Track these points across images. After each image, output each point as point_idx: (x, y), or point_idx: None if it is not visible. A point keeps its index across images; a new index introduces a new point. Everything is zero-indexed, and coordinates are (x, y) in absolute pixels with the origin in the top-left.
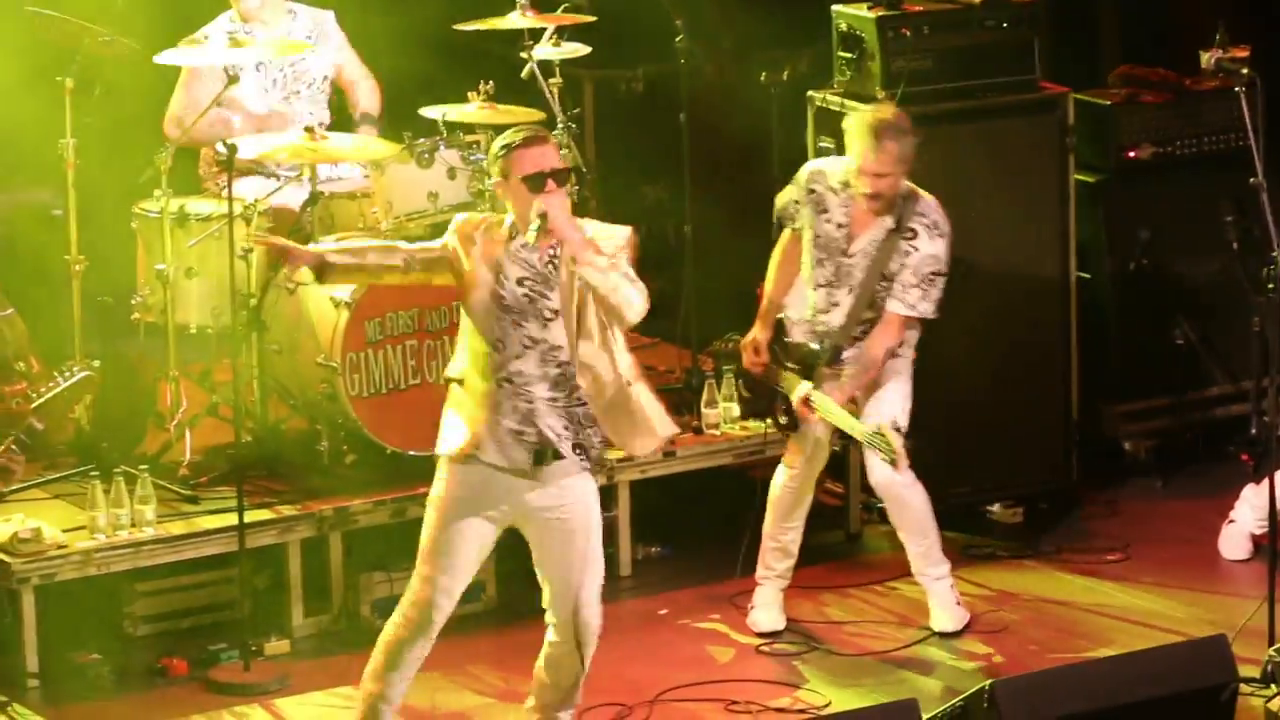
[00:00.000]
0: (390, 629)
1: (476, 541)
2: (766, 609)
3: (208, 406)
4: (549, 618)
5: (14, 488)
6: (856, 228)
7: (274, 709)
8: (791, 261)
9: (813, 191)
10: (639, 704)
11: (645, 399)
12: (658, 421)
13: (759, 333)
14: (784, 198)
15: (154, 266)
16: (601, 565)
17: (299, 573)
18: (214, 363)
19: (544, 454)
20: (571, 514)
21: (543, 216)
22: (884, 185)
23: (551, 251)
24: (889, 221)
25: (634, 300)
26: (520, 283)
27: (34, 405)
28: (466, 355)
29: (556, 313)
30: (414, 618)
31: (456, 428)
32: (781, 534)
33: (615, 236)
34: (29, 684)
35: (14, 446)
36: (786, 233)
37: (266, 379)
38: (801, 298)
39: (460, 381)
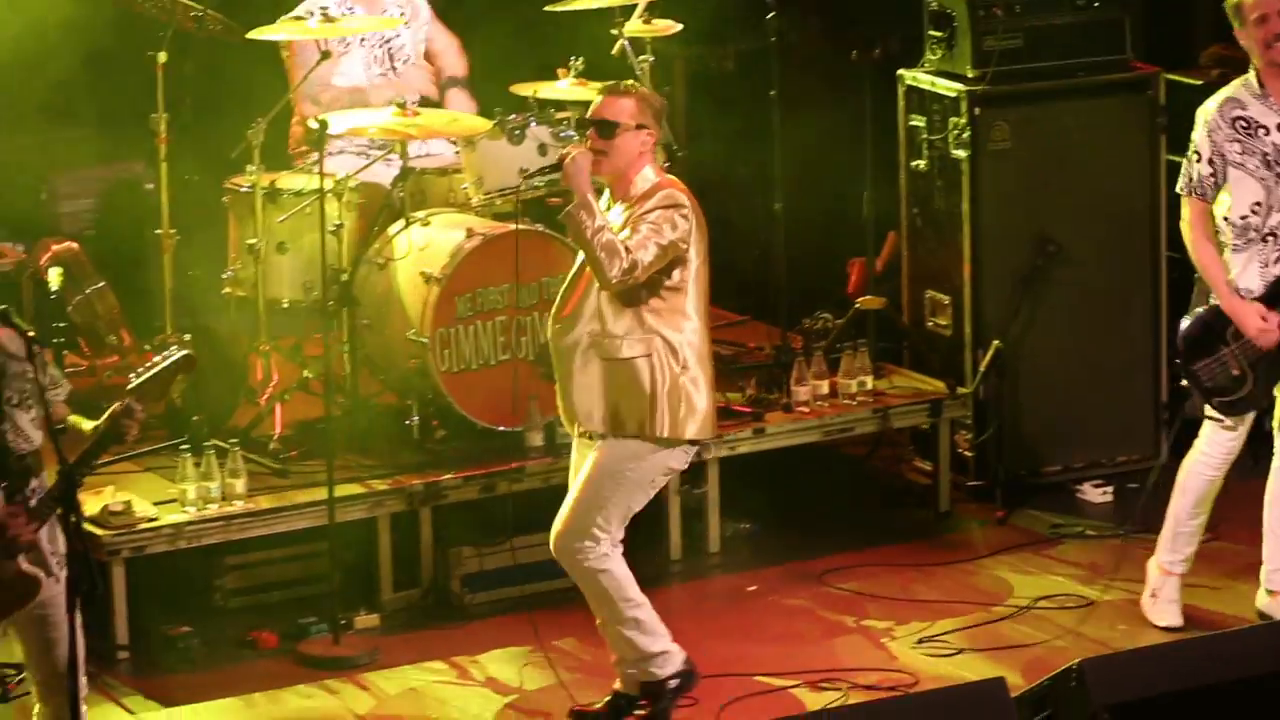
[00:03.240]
0: None
1: None
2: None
3: (298, 381)
4: None
5: (104, 461)
6: None
7: (363, 683)
8: (1212, 236)
9: (1239, 119)
10: (727, 679)
11: None
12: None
13: (1252, 308)
14: (1196, 167)
15: (245, 241)
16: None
17: (389, 547)
18: (305, 337)
19: None
20: None
21: (561, 159)
22: None
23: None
24: None
25: (603, 271)
26: None
27: (131, 386)
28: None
29: None
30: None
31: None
32: (1194, 519)
33: (650, 205)
34: (119, 656)
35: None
36: (1188, 210)
37: (357, 353)
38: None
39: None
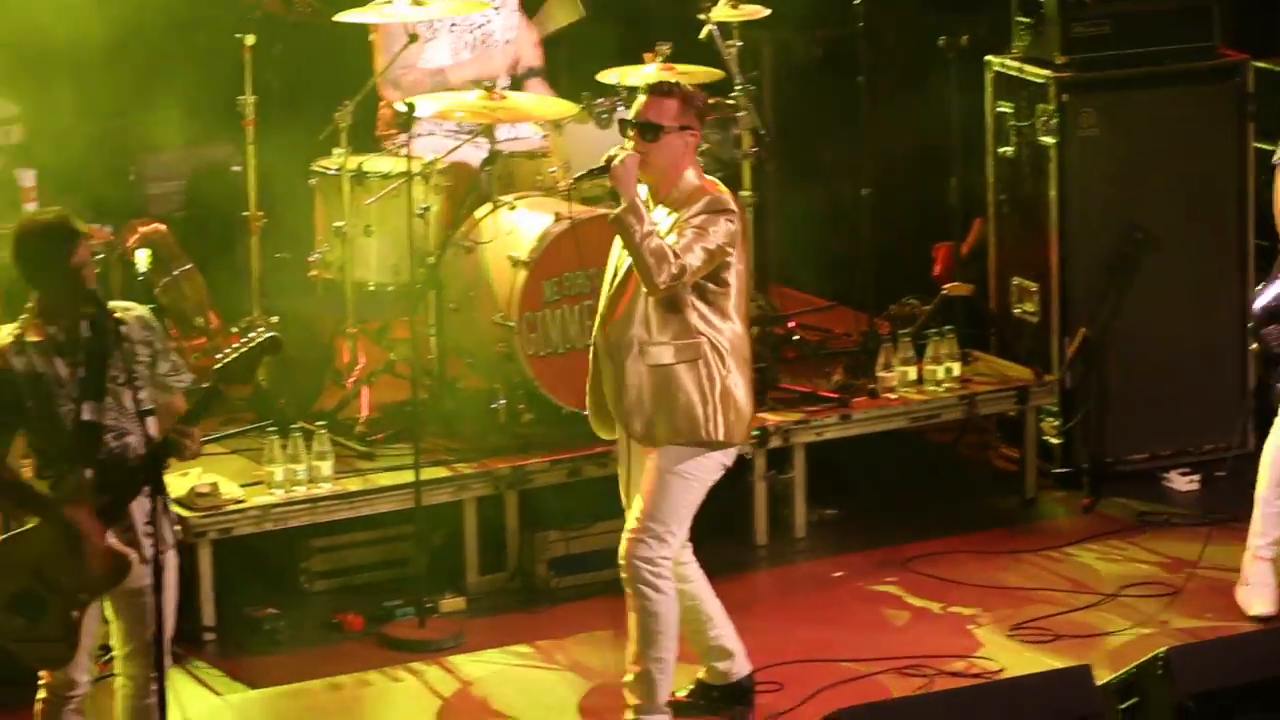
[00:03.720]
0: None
1: None
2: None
3: (385, 364)
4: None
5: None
6: None
7: (448, 666)
8: None
9: None
10: (811, 665)
11: None
12: None
13: None
14: None
15: (332, 224)
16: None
17: (475, 530)
18: (391, 320)
19: None
20: None
21: (609, 160)
22: None
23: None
24: None
25: (651, 276)
26: None
27: (217, 367)
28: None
29: None
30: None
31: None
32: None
33: (695, 209)
34: (205, 638)
35: (195, 410)
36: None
37: (444, 337)
38: None
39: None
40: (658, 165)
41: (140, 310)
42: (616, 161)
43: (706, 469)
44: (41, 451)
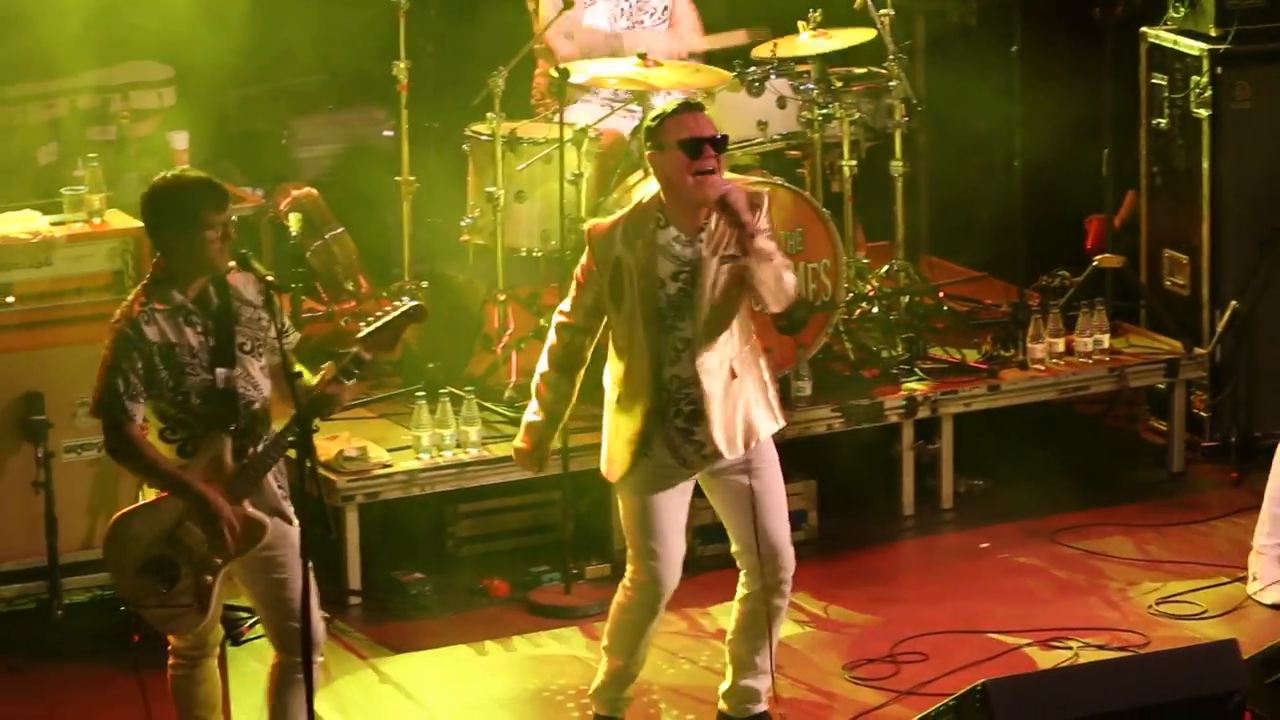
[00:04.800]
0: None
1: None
2: None
3: (534, 329)
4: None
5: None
6: None
7: (594, 632)
8: None
9: None
10: (957, 636)
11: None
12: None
13: None
14: None
15: (484, 189)
16: None
17: None
18: (542, 286)
19: None
20: None
21: (723, 200)
22: None
23: (701, 237)
24: None
25: (787, 291)
26: (675, 278)
27: (361, 335)
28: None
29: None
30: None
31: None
32: None
33: (759, 207)
34: (351, 601)
35: (339, 376)
36: None
37: None
38: None
39: None
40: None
41: (254, 269)
42: (730, 196)
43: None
44: (168, 417)
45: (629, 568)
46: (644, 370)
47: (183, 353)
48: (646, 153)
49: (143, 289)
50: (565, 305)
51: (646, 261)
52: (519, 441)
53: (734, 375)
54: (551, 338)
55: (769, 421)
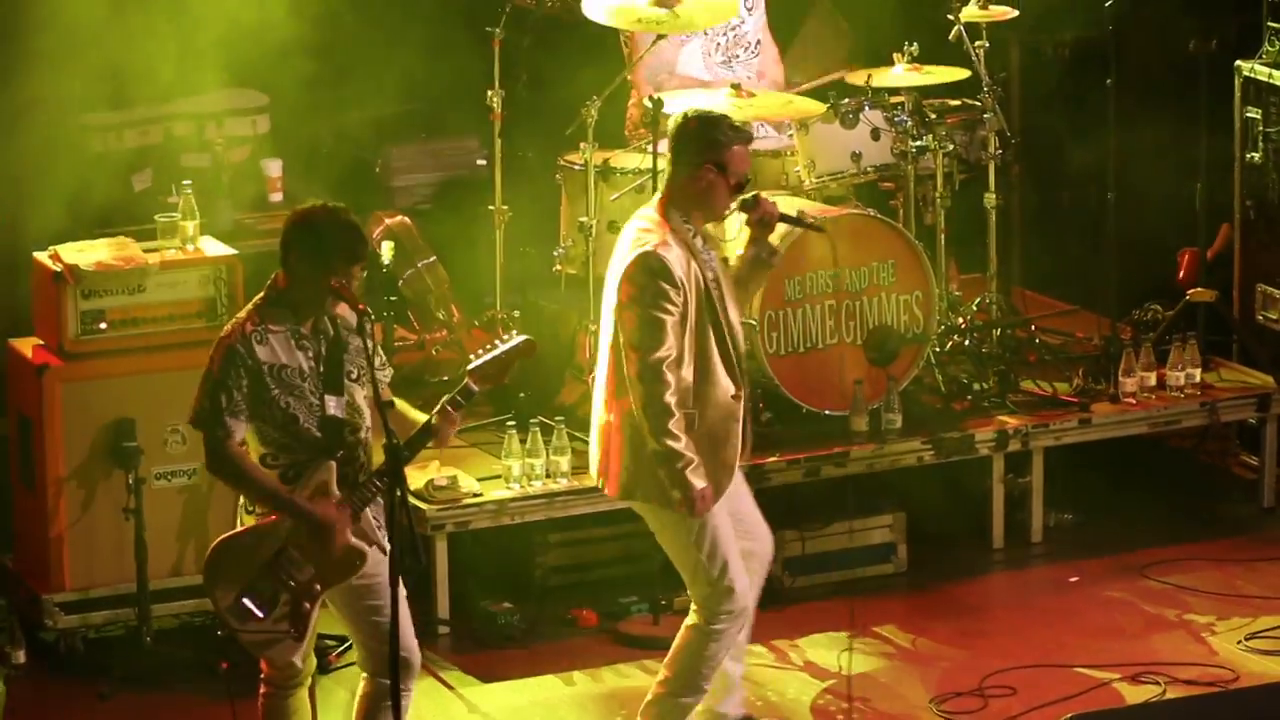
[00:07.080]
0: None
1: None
2: None
3: None
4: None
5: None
6: None
7: None
8: None
9: None
10: (1045, 670)
11: None
12: None
13: None
14: None
15: (577, 219)
16: None
17: None
18: None
19: None
20: None
21: (754, 197)
22: None
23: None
24: None
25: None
26: (716, 283)
27: (472, 366)
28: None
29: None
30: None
31: None
32: None
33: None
34: (440, 630)
35: (449, 407)
36: None
37: None
38: None
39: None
40: None
41: (347, 299)
42: (762, 200)
43: None
44: (272, 441)
45: (708, 608)
46: (724, 376)
47: (293, 375)
48: (695, 161)
49: (255, 308)
50: (663, 348)
51: (699, 272)
52: (701, 486)
53: None
54: (666, 381)
55: None
